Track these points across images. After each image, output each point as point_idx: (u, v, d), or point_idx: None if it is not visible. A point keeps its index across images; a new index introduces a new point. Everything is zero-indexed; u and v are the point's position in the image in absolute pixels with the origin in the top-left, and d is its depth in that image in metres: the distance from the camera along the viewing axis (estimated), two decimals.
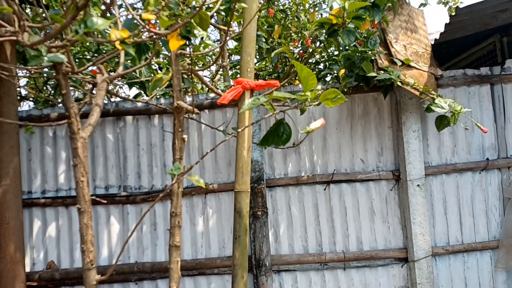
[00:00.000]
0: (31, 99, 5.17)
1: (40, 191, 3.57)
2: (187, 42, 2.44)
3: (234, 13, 2.46)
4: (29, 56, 1.60)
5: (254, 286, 3.40)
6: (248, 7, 2.62)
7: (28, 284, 3.37)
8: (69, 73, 2.20)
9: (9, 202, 3.26)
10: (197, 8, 1.93)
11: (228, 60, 5.48)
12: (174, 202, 2.48)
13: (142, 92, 3.78)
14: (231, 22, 2.32)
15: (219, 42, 5.77)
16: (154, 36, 1.89)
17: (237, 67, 4.80)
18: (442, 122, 2.94)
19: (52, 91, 4.88)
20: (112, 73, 4.16)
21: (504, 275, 3.51)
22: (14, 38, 1.91)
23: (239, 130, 2.31)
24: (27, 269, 3.46)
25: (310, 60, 4.16)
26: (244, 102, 2.70)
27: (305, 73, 1.70)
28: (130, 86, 3.73)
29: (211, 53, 5.21)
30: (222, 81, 5.84)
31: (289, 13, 4.83)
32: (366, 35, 3.25)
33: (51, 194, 3.57)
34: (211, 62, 2.86)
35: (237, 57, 5.61)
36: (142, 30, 1.99)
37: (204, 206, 3.56)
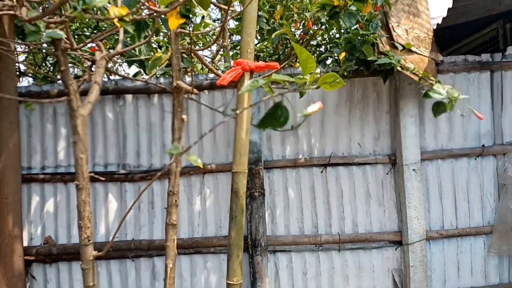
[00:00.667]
0: (30, 75, 5.14)
1: (39, 167, 3.59)
2: (187, 21, 2.42)
3: None
4: (28, 31, 1.59)
5: (249, 266, 3.46)
6: None
7: (26, 258, 3.42)
8: (68, 50, 2.19)
9: (8, 177, 3.29)
10: None
11: (229, 40, 5.44)
12: (172, 181, 2.50)
13: (142, 71, 3.77)
14: (232, 1, 2.30)
15: (219, 22, 5.71)
16: (154, 14, 1.87)
17: (238, 47, 4.76)
18: (438, 108, 2.93)
19: (51, 67, 4.86)
20: (111, 51, 4.13)
21: (496, 260, 3.58)
22: (12, 12, 1.89)
23: (238, 112, 2.32)
24: (25, 244, 3.52)
25: (311, 42, 4.13)
26: (243, 83, 2.70)
27: (304, 56, 1.69)
28: (130, 64, 3.71)
29: (211, 32, 5.16)
30: (223, 61, 5.80)
31: None
32: (368, 18, 3.22)
33: (50, 170, 3.59)
34: (211, 42, 2.84)
35: (238, 38, 5.57)
36: (142, 7, 1.98)
37: (202, 186, 3.59)
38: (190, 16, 2.21)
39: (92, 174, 2.30)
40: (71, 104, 2.27)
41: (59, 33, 1.58)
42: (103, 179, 2.75)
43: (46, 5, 2.10)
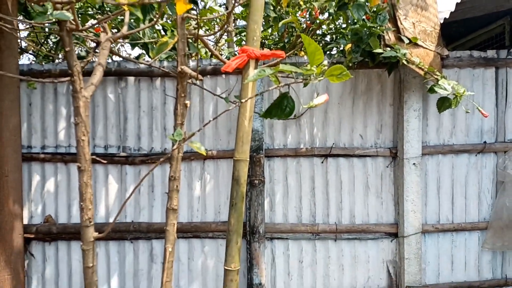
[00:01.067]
0: (31, 52, 5.09)
1: (39, 146, 3.59)
2: (194, 6, 2.39)
3: None
4: (35, 12, 1.57)
5: (247, 252, 3.50)
6: None
7: (25, 236, 3.45)
8: (73, 31, 2.17)
9: (9, 155, 3.29)
10: None
11: (233, 25, 5.38)
12: (174, 166, 2.50)
13: (145, 53, 3.74)
14: None
15: (224, 6, 5.65)
16: None
17: (243, 33, 4.72)
18: (443, 103, 2.95)
19: (53, 46, 4.81)
20: (114, 30, 4.09)
21: (490, 255, 3.62)
22: None
23: (243, 101, 2.31)
24: (25, 222, 3.54)
25: (317, 31, 4.09)
26: (248, 71, 2.68)
27: (313, 47, 1.68)
28: (133, 46, 3.68)
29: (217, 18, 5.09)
30: (226, 46, 5.75)
31: None
32: (375, 10, 3.19)
33: (50, 150, 3.59)
34: (218, 29, 2.81)
35: (242, 23, 5.51)
36: None
37: (202, 172, 3.60)
38: (198, 1, 2.18)
39: (94, 157, 2.30)
40: (74, 85, 2.26)
41: (67, 15, 1.57)
42: (105, 162, 2.75)
43: None
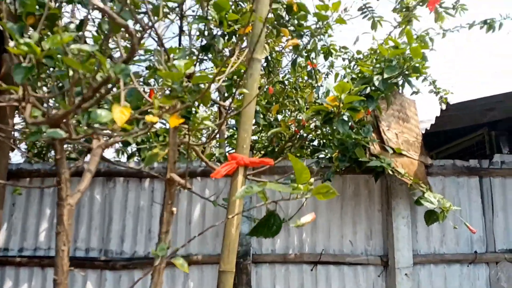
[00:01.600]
0: (22, 148, 5.14)
1: (17, 248, 3.43)
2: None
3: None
4: (30, 132, 1.62)
5: None
6: (249, 90, 2.70)
7: None
8: (66, 139, 2.21)
9: None
10: (202, 91, 2.00)
11: (225, 124, 5.55)
12: (155, 279, 2.38)
13: (136, 151, 3.80)
14: (232, 103, 2.39)
15: (218, 107, 5.89)
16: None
17: (234, 136, 4.86)
18: (431, 217, 2.96)
19: (45, 144, 4.87)
20: (106, 131, 4.18)
21: None
22: (17, 104, 1.93)
23: (230, 216, 2.31)
24: None
25: (305, 135, 4.22)
26: (237, 178, 2.70)
27: (299, 166, 1.72)
28: (125, 145, 3.75)
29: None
30: (217, 146, 5.89)
31: (287, 83, 4.98)
32: (359, 120, 3.34)
33: (28, 252, 3.43)
34: (210, 134, 2.88)
35: (232, 121, 5.70)
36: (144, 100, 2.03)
37: (186, 279, 3.43)
38: (190, 117, 2.28)
39: (71, 269, 2.19)
40: (60, 193, 2.23)
41: (60, 133, 1.60)
42: (83, 274, 2.63)
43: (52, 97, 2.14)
